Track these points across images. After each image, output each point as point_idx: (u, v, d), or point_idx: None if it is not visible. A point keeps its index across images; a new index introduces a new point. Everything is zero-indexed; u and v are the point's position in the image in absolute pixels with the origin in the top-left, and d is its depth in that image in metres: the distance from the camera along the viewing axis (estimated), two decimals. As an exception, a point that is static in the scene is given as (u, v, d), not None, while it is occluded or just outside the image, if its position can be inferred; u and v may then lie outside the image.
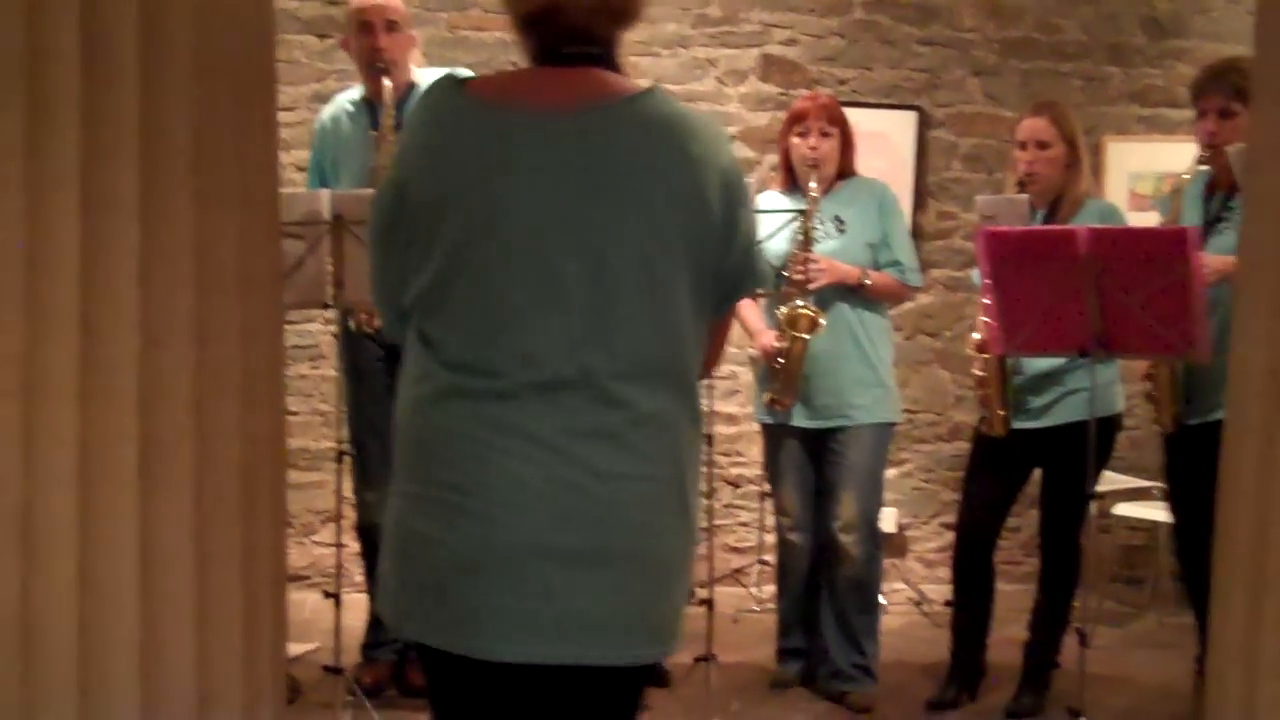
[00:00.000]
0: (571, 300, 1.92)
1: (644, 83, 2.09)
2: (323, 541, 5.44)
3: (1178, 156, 5.62)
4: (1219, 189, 3.83)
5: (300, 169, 4.68)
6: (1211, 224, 3.81)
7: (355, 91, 4.22)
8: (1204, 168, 3.81)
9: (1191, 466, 3.85)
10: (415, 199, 1.98)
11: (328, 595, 3.97)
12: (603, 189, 1.95)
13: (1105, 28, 5.81)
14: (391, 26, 4.03)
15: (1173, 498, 4.14)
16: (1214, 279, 3.50)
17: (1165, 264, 3.38)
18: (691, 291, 2.00)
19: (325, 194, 3.75)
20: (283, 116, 5.11)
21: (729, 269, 2.06)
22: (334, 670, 3.80)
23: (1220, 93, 3.75)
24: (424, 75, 4.06)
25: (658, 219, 1.96)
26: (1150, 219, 5.48)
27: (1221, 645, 1.83)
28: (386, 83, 3.95)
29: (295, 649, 4.28)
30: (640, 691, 2.13)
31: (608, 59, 2.05)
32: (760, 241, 3.98)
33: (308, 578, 5.39)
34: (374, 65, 4.00)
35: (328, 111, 4.28)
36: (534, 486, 1.90)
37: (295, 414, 5.37)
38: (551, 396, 1.91)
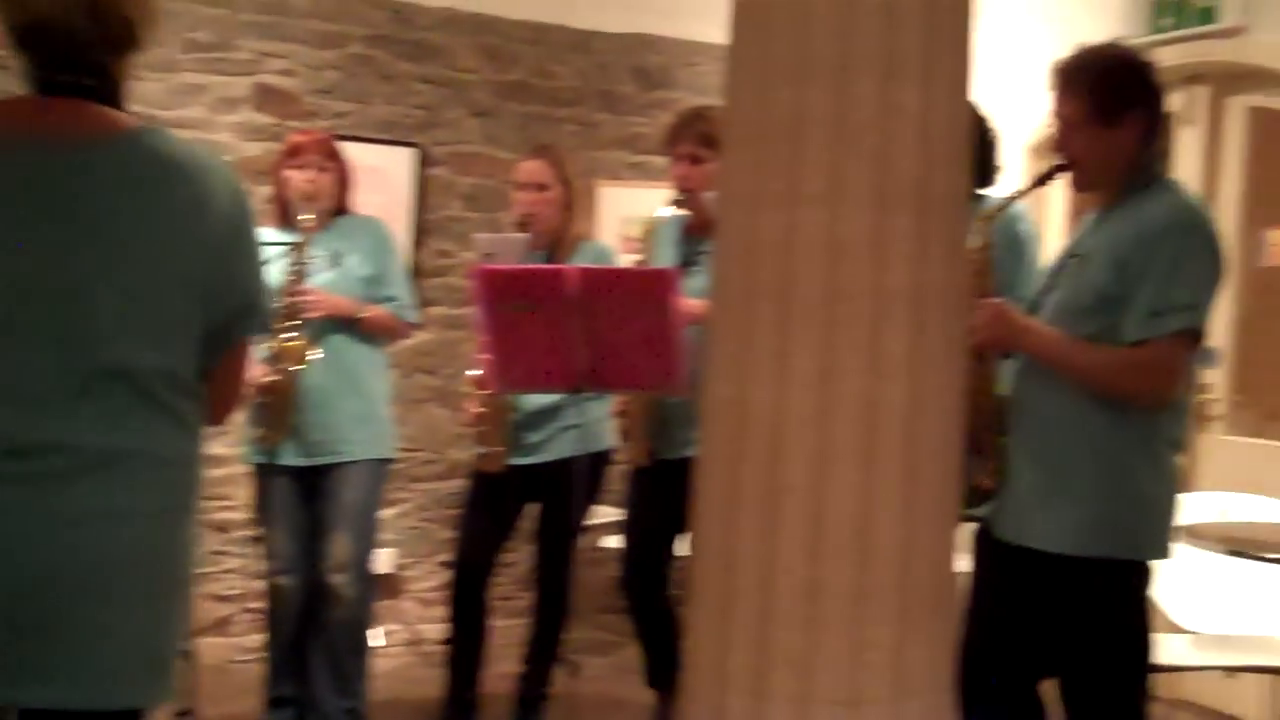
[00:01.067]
0: (49, 343, 1.83)
1: (141, 121, 1.99)
2: None
3: (663, 201, 5.96)
4: (694, 232, 4.05)
5: None
6: (686, 265, 4.02)
7: None
8: (679, 211, 4.04)
9: (656, 499, 4.06)
10: None
11: None
12: (85, 233, 1.86)
13: (597, 76, 6.06)
14: None
15: (630, 528, 4.32)
16: (691, 322, 3.69)
17: (650, 303, 3.53)
18: (187, 334, 1.94)
19: None
20: None
21: (229, 312, 2.01)
22: None
23: (690, 139, 3.99)
24: None
25: (142, 263, 1.89)
26: (636, 259, 5.74)
27: (695, 663, 1.90)
28: None
29: None
30: None
31: (105, 91, 1.94)
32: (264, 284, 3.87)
33: None
34: None
35: None
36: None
37: None
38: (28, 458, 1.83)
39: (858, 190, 1.83)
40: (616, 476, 5.93)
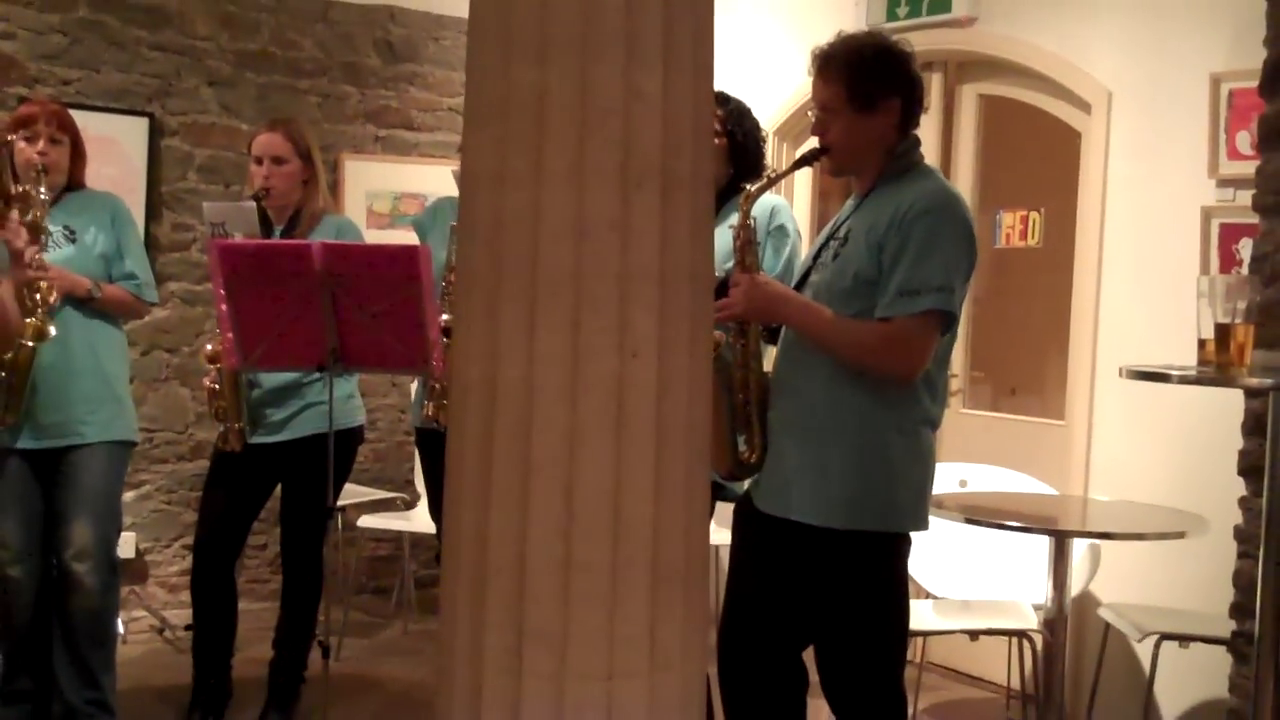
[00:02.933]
0: None
1: None
2: None
3: (413, 176, 5.91)
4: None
5: None
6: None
7: None
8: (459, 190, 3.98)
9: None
10: None
11: None
12: None
13: (341, 47, 5.94)
14: None
15: (434, 507, 4.28)
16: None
17: (397, 281, 3.49)
18: None
19: None
20: None
21: None
22: None
23: None
24: None
25: None
26: (389, 236, 5.69)
27: (451, 646, 1.90)
28: None
29: None
30: None
31: None
32: None
33: None
34: None
35: None
36: None
37: None
38: None
39: (601, 171, 1.85)
40: (376, 456, 5.90)
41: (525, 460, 1.82)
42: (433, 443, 4.10)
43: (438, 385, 3.84)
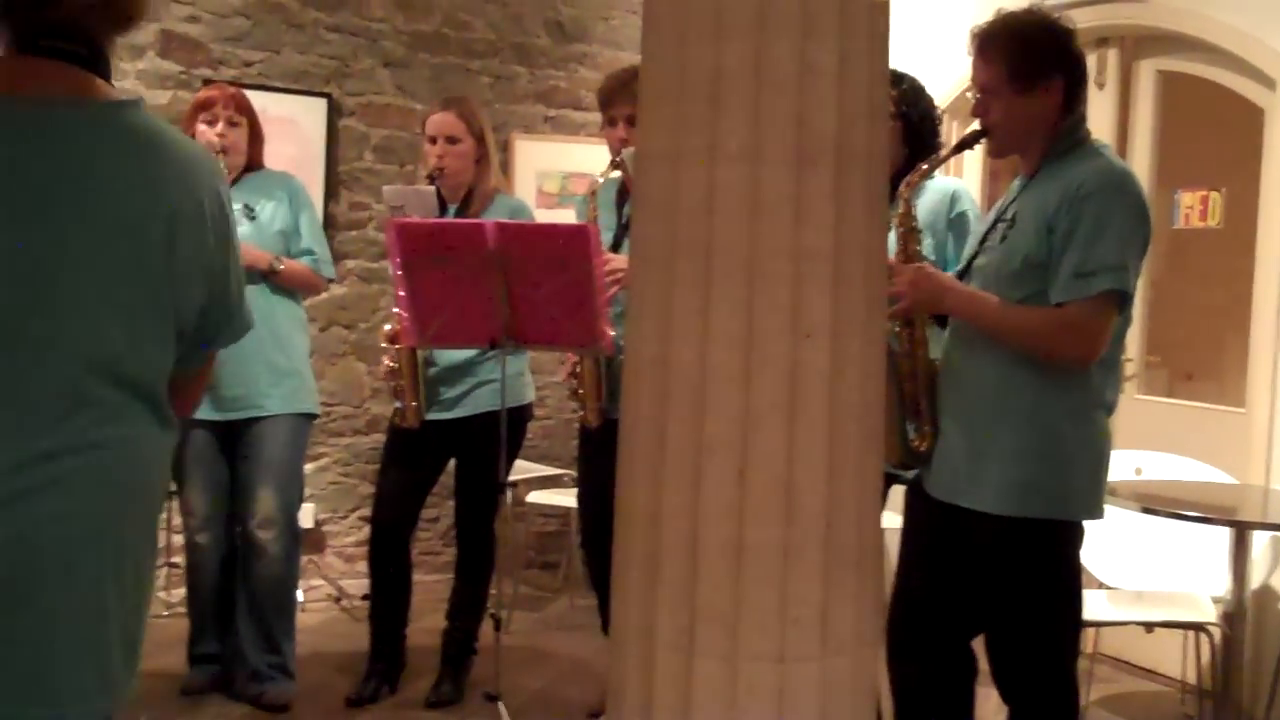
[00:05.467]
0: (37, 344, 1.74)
1: (127, 94, 1.90)
2: None
3: (583, 156, 5.94)
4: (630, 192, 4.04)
5: None
6: (627, 227, 4.01)
7: None
8: (616, 173, 4.00)
9: (605, 456, 4.05)
10: None
11: None
12: (61, 195, 1.75)
13: (512, 28, 6.00)
14: None
15: (581, 486, 4.32)
16: (616, 279, 3.68)
17: (567, 260, 3.52)
18: (153, 326, 1.84)
19: None
20: None
21: (206, 312, 1.92)
22: None
23: (627, 101, 3.94)
24: None
25: (120, 240, 1.78)
26: (557, 216, 5.73)
27: (623, 623, 1.92)
28: None
29: None
30: None
31: (94, 61, 1.85)
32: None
33: None
34: None
35: None
36: None
37: None
38: None
39: (775, 148, 1.83)
40: (545, 433, 5.97)
41: (698, 441, 1.82)
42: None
43: None
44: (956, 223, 3.48)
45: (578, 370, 4.05)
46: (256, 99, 4.29)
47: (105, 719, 1.85)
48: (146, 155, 1.84)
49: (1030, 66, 2.91)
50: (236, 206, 4.09)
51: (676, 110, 1.90)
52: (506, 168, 5.78)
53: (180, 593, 4.77)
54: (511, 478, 4.67)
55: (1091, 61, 5.12)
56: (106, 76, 1.89)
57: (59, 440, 1.74)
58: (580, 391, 4.05)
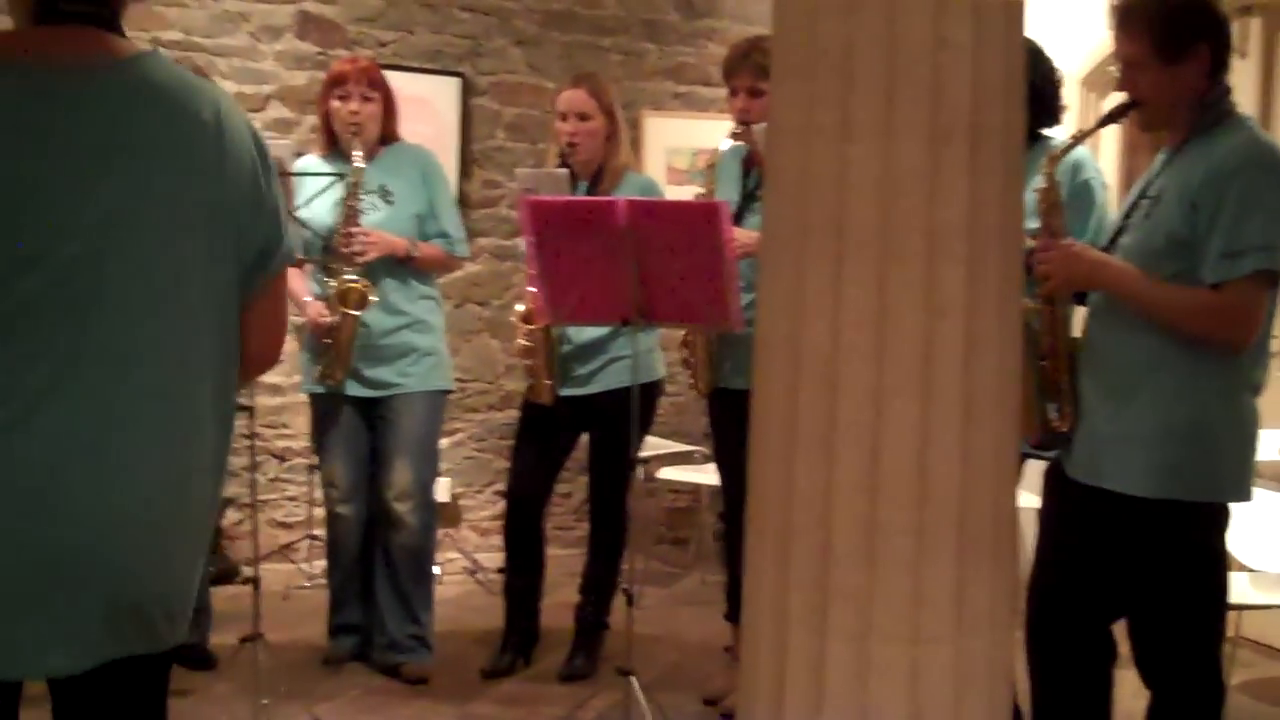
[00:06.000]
0: (76, 280, 1.81)
1: (143, 45, 1.96)
2: None
3: (712, 132, 5.91)
4: (755, 165, 4.02)
5: None
6: (748, 199, 3.99)
7: None
8: (739, 144, 3.99)
9: (732, 429, 4.05)
10: None
11: None
12: (106, 159, 1.82)
13: (641, 5, 6.00)
14: None
15: (718, 460, 4.33)
16: (744, 253, 3.68)
17: (698, 237, 3.52)
18: (214, 267, 1.92)
19: None
20: None
21: (258, 240, 1.97)
22: None
23: (748, 72, 3.92)
24: None
25: (175, 189, 1.86)
26: (687, 192, 5.72)
27: (755, 600, 1.92)
28: None
29: None
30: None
31: (111, 21, 1.91)
32: (297, 208, 3.90)
33: None
34: None
35: None
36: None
37: None
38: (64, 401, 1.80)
39: (910, 124, 1.81)
40: (675, 409, 5.98)
41: (830, 419, 1.81)
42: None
43: None
44: (1079, 191, 3.38)
45: (688, 339, 4.06)
46: (391, 79, 4.35)
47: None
48: (184, 101, 1.90)
49: (1176, 36, 2.82)
50: (373, 189, 4.17)
51: (807, 85, 1.88)
52: (636, 145, 5.79)
53: (321, 564, 4.89)
54: (643, 454, 4.69)
55: (1234, 31, 4.96)
56: (120, 32, 1.95)
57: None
58: (691, 360, 4.06)
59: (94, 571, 1.83)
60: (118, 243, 1.82)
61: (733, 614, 4.18)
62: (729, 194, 3.97)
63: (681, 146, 6.04)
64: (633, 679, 3.76)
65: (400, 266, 4.18)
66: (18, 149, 1.79)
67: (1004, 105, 1.84)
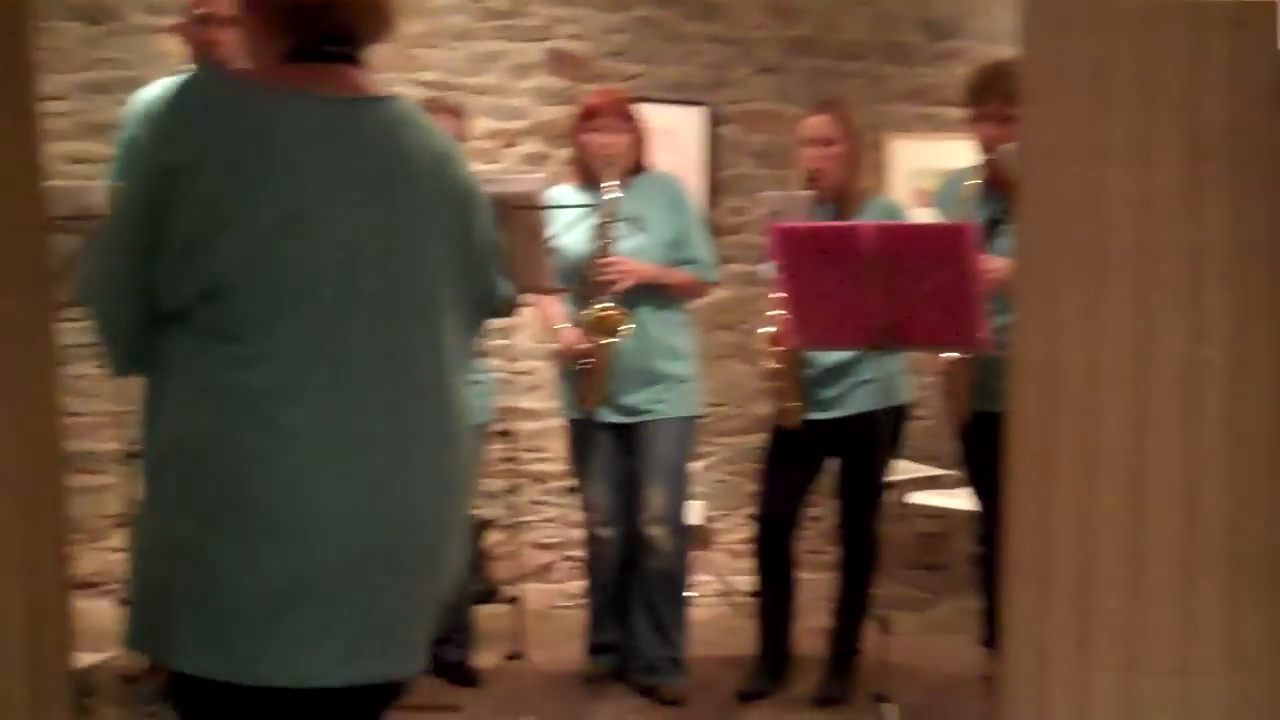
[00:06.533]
0: (371, 303, 1.91)
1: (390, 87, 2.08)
2: (112, 547, 5.23)
3: (957, 154, 5.83)
4: (998, 190, 3.96)
5: (75, 160, 4.47)
6: (993, 225, 3.93)
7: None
8: (983, 168, 3.93)
9: (986, 455, 3.98)
10: (203, 188, 1.84)
11: (122, 602, 3.80)
12: (389, 184, 1.94)
13: (884, 28, 5.96)
14: (227, 21, 3.94)
15: (973, 484, 4.27)
16: (994, 281, 3.61)
17: (946, 259, 3.48)
18: (458, 296, 2.02)
19: (98, 187, 3.64)
20: (52, 106, 4.95)
21: (484, 276, 2.09)
22: (131, 679, 3.67)
23: (995, 96, 3.86)
24: None
25: (433, 219, 1.97)
26: (932, 215, 5.65)
27: (1014, 629, 1.89)
28: None
29: (89, 658, 4.11)
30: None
31: (362, 63, 2.04)
32: (553, 238, 4.02)
33: (99, 584, 5.17)
34: (209, 58, 3.90)
35: (151, 92, 4.13)
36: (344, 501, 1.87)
37: (78, 415, 5.14)
38: (354, 407, 1.89)
39: (1167, 141, 1.77)
40: (925, 432, 5.91)
41: (1089, 446, 1.78)
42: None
43: None
44: None
45: (947, 365, 4.01)
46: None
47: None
48: (432, 137, 2.02)
49: None
50: (625, 218, 4.26)
51: (1058, 105, 1.87)
52: (880, 168, 5.75)
53: (579, 584, 4.99)
54: (893, 478, 4.65)
55: None
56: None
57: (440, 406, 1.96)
58: (949, 386, 4.00)
59: (401, 578, 1.93)
60: (392, 257, 1.93)
61: (989, 641, 4.09)
62: (975, 219, 3.91)
63: (926, 169, 5.97)
64: (888, 705, 3.73)
65: (653, 293, 4.25)
66: (310, 166, 1.89)
67: (1267, 117, 1.78)
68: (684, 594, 4.48)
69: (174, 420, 1.88)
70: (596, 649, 4.52)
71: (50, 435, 2.05)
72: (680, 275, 4.32)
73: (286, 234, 1.85)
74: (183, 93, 1.93)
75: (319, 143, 1.90)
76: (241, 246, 1.84)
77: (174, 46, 4.82)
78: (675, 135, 5.66)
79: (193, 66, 4.05)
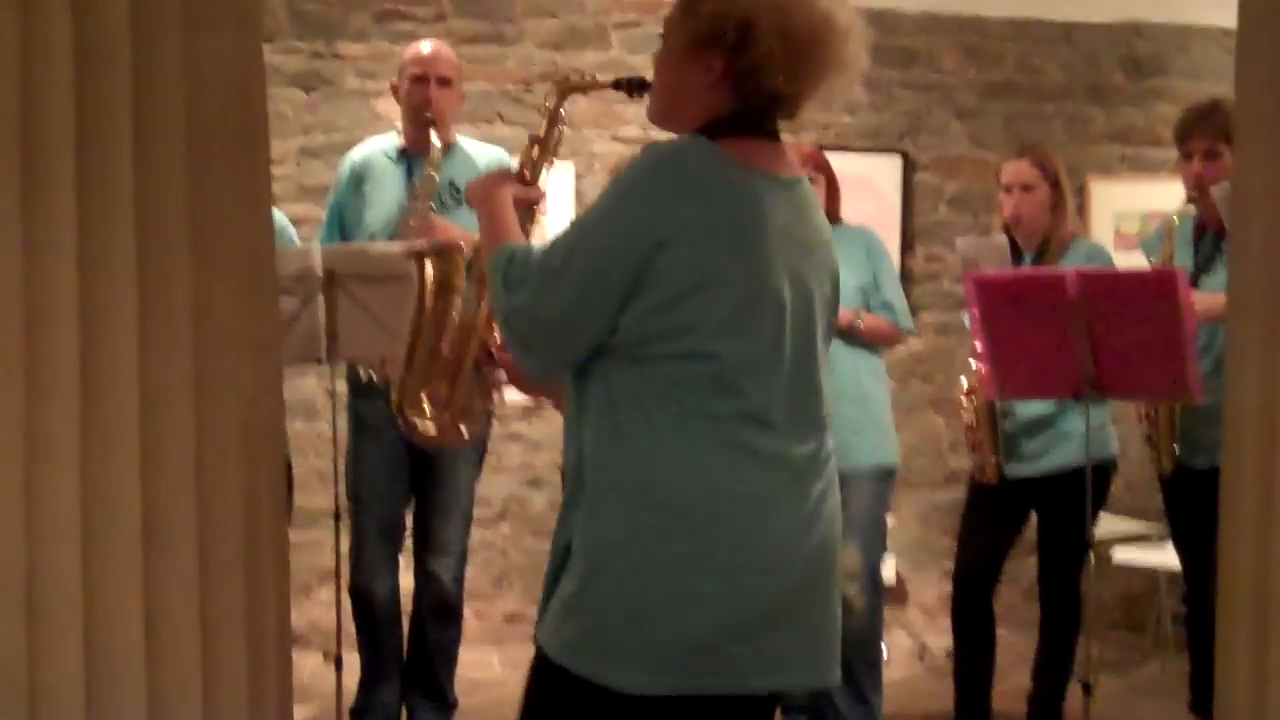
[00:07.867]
0: (802, 363, 2.18)
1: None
2: (320, 601, 5.38)
3: (1162, 195, 5.69)
4: (1209, 230, 3.84)
5: (293, 222, 4.67)
6: (1204, 265, 3.82)
7: (391, 139, 4.26)
8: (1192, 209, 3.83)
9: (1194, 509, 3.84)
10: (684, 260, 2.00)
11: (328, 657, 3.91)
12: (812, 262, 2.16)
13: (1085, 68, 5.86)
14: (445, 82, 4.10)
15: (1178, 541, 4.12)
16: (1205, 318, 3.51)
17: (1155, 306, 3.39)
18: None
19: (316, 249, 3.78)
20: (273, 170, 5.17)
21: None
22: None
23: (1206, 134, 3.76)
24: (464, 139, 4.26)
25: (822, 288, 2.20)
26: (1136, 259, 5.51)
27: (1229, 693, 1.82)
28: (434, 136, 4.00)
29: (299, 710, 4.23)
30: None
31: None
32: None
33: (305, 639, 5.33)
34: (423, 116, 4.05)
35: (359, 153, 4.31)
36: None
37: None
38: (812, 455, 2.24)
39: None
40: (1128, 486, 5.73)
41: (1312, 496, 1.71)
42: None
43: None
44: None
45: (1149, 413, 3.89)
46: (834, 159, 4.43)
47: None
48: (823, 221, 2.24)
49: None
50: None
51: (1274, 145, 1.80)
52: (1082, 211, 5.64)
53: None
54: (1096, 534, 4.52)
55: None
56: None
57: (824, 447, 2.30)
58: (1153, 436, 3.88)
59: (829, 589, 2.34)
60: (809, 320, 2.17)
61: (1198, 705, 3.94)
62: (1184, 262, 3.81)
63: (1129, 211, 5.83)
64: (1092, 770, 3.61)
65: (845, 338, 4.21)
66: (776, 247, 2.08)
67: None
68: (878, 653, 4.40)
69: (667, 460, 2.06)
70: (790, 710, 4.46)
71: (274, 492, 2.13)
72: (874, 320, 4.27)
73: (761, 302, 2.05)
74: (674, 165, 2.07)
75: (781, 225, 2.08)
76: (723, 312, 2.03)
77: (386, 108, 5.02)
78: (869, 183, 5.65)
79: (404, 126, 4.22)
